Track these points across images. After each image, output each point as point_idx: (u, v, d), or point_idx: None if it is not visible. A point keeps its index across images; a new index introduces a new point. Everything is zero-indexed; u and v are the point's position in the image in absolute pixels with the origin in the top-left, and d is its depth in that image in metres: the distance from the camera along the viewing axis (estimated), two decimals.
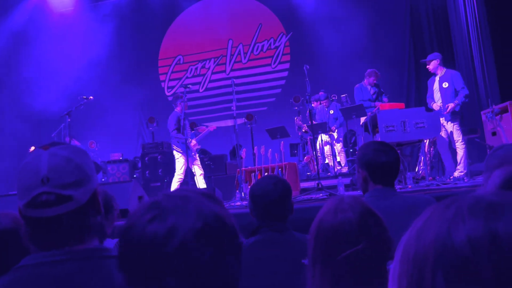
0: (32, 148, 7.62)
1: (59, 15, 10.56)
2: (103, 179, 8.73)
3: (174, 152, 6.44)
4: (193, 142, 6.78)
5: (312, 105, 7.84)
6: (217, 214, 0.70)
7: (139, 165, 8.38)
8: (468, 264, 0.45)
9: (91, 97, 5.96)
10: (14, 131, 9.30)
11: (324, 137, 7.81)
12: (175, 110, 6.55)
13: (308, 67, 5.26)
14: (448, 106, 5.43)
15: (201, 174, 6.54)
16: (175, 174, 6.38)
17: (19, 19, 10.39)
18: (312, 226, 1.26)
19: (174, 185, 6.31)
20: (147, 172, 7.77)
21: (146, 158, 7.83)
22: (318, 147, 7.92)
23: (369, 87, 6.66)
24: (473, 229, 0.46)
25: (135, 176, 8.43)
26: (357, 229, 1.12)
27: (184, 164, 6.32)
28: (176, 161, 6.39)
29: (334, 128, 7.70)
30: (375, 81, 6.66)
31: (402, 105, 5.62)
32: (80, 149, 1.08)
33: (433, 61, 5.68)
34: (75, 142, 7.50)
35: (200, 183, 6.45)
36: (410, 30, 9.39)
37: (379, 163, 1.87)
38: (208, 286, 0.67)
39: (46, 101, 9.07)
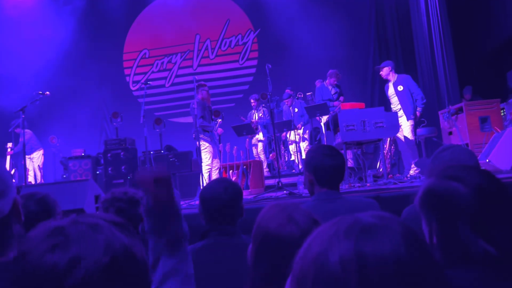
0: (9, 145, 7.33)
1: (14, 4, 10.13)
2: (64, 176, 8.50)
3: (201, 142, 5.92)
4: (220, 130, 6.54)
5: (286, 103, 7.92)
6: (129, 249, 0.64)
7: (102, 161, 8.19)
8: (338, 283, 0.47)
9: (47, 92, 5.76)
10: None
11: (293, 135, 7.87)
12: (197, 97, 6.09)
13: (270, 66, 5.27)
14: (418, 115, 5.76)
15: (218, 167, 6.20)
16: (203, 164, 5.89)
17: None
18: (256, 234, 1.25)
19: (206, 175, 5.84)
20: (109, 168, 7.59)
21: (109, 155, 7.64)
22: (282, 144, 7.99)
23: (330, 87, 6.78)
24: (345, 249, 0.49)
25: (98, 172, 8.23)
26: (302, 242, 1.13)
27: (211, 153, 5.95)
28: (203, 151, 5.90)
29: (300, 125, 7.77)
30: (336, 82, 6.78)
31: (362, 105, 5.73)
32: None
33: (385, 68, 5.90)
34: (27, 132, 7.24)
35: (213, 175, 6.04)
36: (375, 31, 9.58)
37: (326, 167, 1.90)
38: None
39: (2, 96, 8.71)
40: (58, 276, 0.58)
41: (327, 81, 6.76)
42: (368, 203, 1.94)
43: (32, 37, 9.56)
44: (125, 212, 2.06)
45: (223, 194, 1.90)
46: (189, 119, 10.15)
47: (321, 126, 7.02)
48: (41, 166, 8.07)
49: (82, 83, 10.12)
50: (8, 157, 6.93)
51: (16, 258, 0.63)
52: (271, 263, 1.22)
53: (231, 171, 7.15)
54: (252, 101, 8.40)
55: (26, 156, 6.81)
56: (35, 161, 7.73)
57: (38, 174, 7.95)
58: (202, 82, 6.17)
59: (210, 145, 5.96)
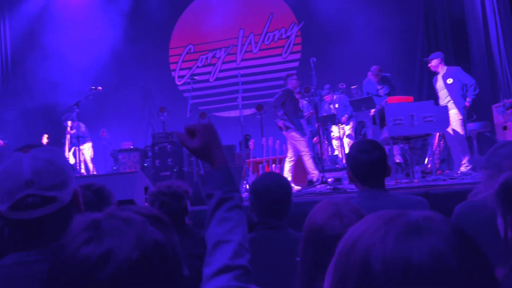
0: (46, 136, 7.77)
1: (72, 2, 10.62)
2: (114, 168, 8.85)
3: (293, 133, 5.72)
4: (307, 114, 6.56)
5: (326, 99, 7.81)
6: (159, 244, 0.64)
7: (149, 154, 8.47)
8: (381, 283, 0.46)
9: (99, 87, 6.02)
10: (27, 119, 9.45)
11: (335, 130, 7.74)
12: (287, 87, 5.95)
13: (314, 59, 5.21)
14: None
15: (293, 160, 6.08)
16: (303, 154, 5.72)
17: (34, 6, 10.52)
18: (308, 231, 1.26)
19: (309, 164, 5.68)
20: (157, 161, 7.84)
21: (156, 148, 7.89)
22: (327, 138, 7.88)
23: (375, 83, 6.63)
24: (390, 248, 0.47)
25: (145, 165, 8.51)
26: None
27: (306, 141, 5.88)
28: (298, 142, 5.75)
29: (344, 119, 7.60)
30: (375, 79, 6.61)
31: (410, 98, 5.55)
32: (59, 150, 1.11)
33: (435, 60, 5.68)
34: (82, 125, 7.58)
35: (287, 167, 5.96)
36: (424, 22, 9.20)
37: (361, 163, 1.85)
38: None
39: (58, 90, 9.18)
40: (89, 269, 0.59)
41: (371, 76, 6.61)
42: (417, 201, 1.88)
43: (82, 35, 9.98)
44: (168, 206, 2.12)
45: (277, 188, 1.91)
46: (233, 113, 10.26)
47: (369, 120, 6.87)
48: (92, 158, 8.46)
49: (130, 78, 10.46)
50: (68, 136, 7.19)
51: (55, 249, 0.65)
52: (314, 256, 1.23)
53: (273, 165, 7.16)
54: (296, 95, 8.32)
55: (76, 147, 7.16)
56: (85, 152, 8.11)
57: (90, 166, 8.34)
58: (291, 72, 6.04)
59: (301, 135, 5.79)
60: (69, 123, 6.26)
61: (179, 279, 0.67)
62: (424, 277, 0.45)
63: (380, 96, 6.35)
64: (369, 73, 6.58)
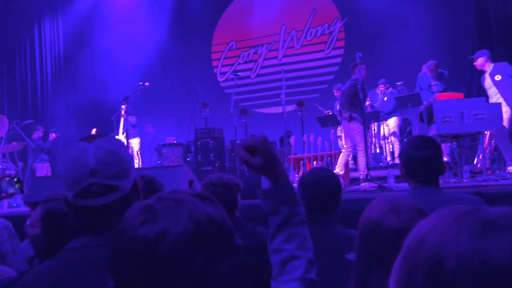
0: (94, 130, 8.10)
1: (119, 2, 10.97)
2: (158, 162, 9.09)
3: (356, 125, 5.51)
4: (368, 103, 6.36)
5: (380, 89, 7.62)
6: (211, 217, 0.68)
7: (192, 149, 8.64)
8: (453, 283, 0.44)
9: (147, 83, 6.20)
10: (77, 114, 9.87)
11: (385, 128, 7.55)
12: (356, 76, 5.65)
13: (361, 55, 5.11)
14: None
15: (350, 152, 5.93)
16: (359, 149, 5.54)
17: (84, 6, 10.96)
18: (364, 226, 1.25)
19: (363, 160, 5.43)
20: (199, 156, 7.99)
21: (199, 143, 8.04)
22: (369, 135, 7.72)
23: (429, 78, 6.39)
24: (464, 246, 0.45)
25: (188, 159, 8.69)
26: None
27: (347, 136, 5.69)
28: (358, 135, 5.47)
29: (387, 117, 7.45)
30: (430, 75, 6.37)
31: (460, 95, 5.33)
32: (120, 141, 1.15)
33: (480, 58, 5.44)
34: (134, 119, 7.80)
35: (343, 160, 5.79)
36: (475, 20, 8.79)
37: (413, 160, 1.80)
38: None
39: (106, 87, 9.52)
40: (149, 247, 0.64)
41: (426, 71, 6.37)
42: (472, 200, 1.81)
43: (129, 33, 10.28)
44: (219, 196, 2.16)
45: (326, 183, 1.90)
46: (273, 110, 10.26)
47: (415, 117, 6.67)
48: (139, 152, 8.74)
49: (173, 75, 10.70)
50: (122, 119, 7.38)
51: (116, 234, 0.70)
52: (370, 252, 1.21)
53: (315, 162, 7.11)
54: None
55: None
56: (133, 146, 8.38)
57: (136, 159, 8.62)
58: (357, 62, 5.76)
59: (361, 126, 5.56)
60: (123, 106, 6.46)
61: (234, 249, 0.71)
62: (505, 277, 0.43)
63: (433, 92, 6.12)
64: (424, 66, 6.35)
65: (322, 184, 1.89)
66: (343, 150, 5.85)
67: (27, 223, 1.72)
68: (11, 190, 2.01)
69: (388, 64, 8.83)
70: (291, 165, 6.81)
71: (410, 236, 0.51)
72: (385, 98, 7.60)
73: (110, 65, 9.90)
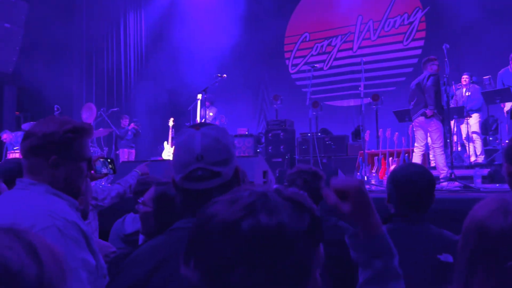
0: (172, 120, 8.42)
1: None
2: None
3: (435, 122, 5.16)
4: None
5: (458, 86, 7.16)
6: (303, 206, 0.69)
7: (263, 140, 8.71)
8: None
9: (224, 75, 6.31)
10: (156, 101, 10.34)
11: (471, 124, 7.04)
12: (431, 73, 5.29)
13: (448, 46, 4.80)
14: None
15: (424, 150, 5.64)
16: (436, 147, 5.21)
17: (165, 1, 11.41)
18: (467, 226, 1.18)
19: (441, 159, 5.17)
20: (270, 147, 8.04)
21: (270, 134, 8.09)
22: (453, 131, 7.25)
23: None
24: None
25: (258, 150, 8.78)
26: None
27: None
28: (436, 132, 5.17)
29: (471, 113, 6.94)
30: None
31: None
32: (225, 129, 1.19)
33: None
34: (214, 109, 7.99)
35: (417, 158, 5.49)
36: None
37: None
38: (280, 276, 0.64)
39: (185, 74, 9.85)
40: (236, 228, 0.64)
41: (510, 66, 5.87)
42: None
43: (206, 26, 10.53)
44: (310, 184, 2.18)
45: (419, 179, 1.82)
46: (345, 103, 10.02)
47: (503, 114, 6.16)
48: None
49: (246, 66, 10.81)
50: (199, 109, 7.47)
51: (203, 218, 0.70)
52: (471, 253, 1.13)
53: (390, 158, 6.84)
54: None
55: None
56: None
57: None
58: (431, 56, 5.43)
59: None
60: (199, 95, 6.59)
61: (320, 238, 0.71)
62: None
63: None
64: None
65: (414, 181, 1.80)
66: (415, 149, 5.49)
67: (140, 201, 1.83)
68: (104, 171, 2.12)
69: (474, 57, 8.24)
70: (365, 160, 6.60)
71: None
72: (468, 93, 7.08)
73: (187, 58, 10.25)
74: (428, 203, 1.84)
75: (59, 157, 1.34)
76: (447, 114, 4.89)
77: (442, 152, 5.07)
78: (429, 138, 5.27)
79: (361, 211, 0.94)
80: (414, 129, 5.44)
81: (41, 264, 0.57)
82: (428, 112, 4.94)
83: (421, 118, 5.13)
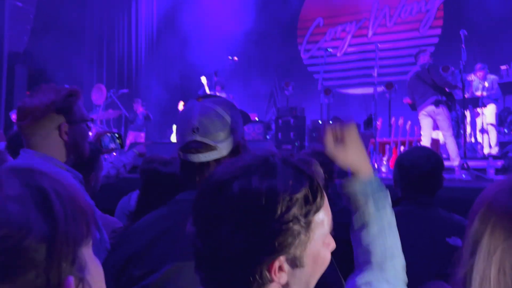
0: (181, 103, 8.38)
1: None
2: None
3: (443, 109, 5.14)
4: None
5: (469, 78, 6.98)
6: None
7: (272, 126, 8.64)
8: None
9: (235, 57, 6.22)
10: (167, 85, 10.31)
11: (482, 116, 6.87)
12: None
13: (466, 33, 4.64)
14: None
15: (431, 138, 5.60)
16: (447, 135, 5.21)
17: None
18: (474, 205, 1.14)
19: (453, 147, 5.15)
20: (279, 134, 7.98)
21: (280, 121, 8.03)
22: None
23: None
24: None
25: (267, 137, 8.72)
26: None
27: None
28: (445, 120, 5.16)
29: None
30: None
31: None
32: (230, 103, 1.13)
33: None
34: (222, 93, 7.93)
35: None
36: None
37: None
38: (264, 239, 0.64)
39: (196, 58, 9.77)
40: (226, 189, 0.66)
41: None
42: None
43: (217, 10, 10.38)
44: (325, 165, 2.14)
45: (424, 162, 1.79)
46: (358, 90, 9.86)
47: None
48: None
49: (257, 52, 10.67)
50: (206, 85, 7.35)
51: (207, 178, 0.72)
52: (476, 233, 1.09)
53: (402, 147, 6.73)
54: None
55: None
56: None
57: None
58: (422, 48, 5.44)
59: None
60: (203, 79, 6.51)
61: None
62: None
63: None
64: None
65: (419, 164, 1.78)
66: (422, 138, 5.38)
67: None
68: (112, 146, 2.10)
69: (492, 48, 8.02)
70: (376, 149, 6.50)
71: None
72: (486, 84, 6.90)
73: (198, 42, 10.16)
74: (435, 186, 1.81)
75: (66, 122, 1.36)
76: (462, 103, 4.77)
77: (453, 141, 4.98)
78: (433, 133, 5.21)
79: (354, 151, 0.99)
80: (420, 118, 5.34)
81: (54, 220, 0.47)
82: (448, 90, 4.82)
83: (432, 107, 5.04)
